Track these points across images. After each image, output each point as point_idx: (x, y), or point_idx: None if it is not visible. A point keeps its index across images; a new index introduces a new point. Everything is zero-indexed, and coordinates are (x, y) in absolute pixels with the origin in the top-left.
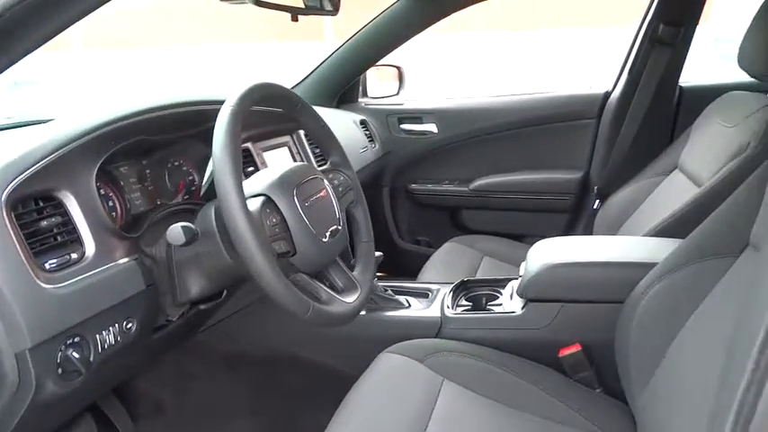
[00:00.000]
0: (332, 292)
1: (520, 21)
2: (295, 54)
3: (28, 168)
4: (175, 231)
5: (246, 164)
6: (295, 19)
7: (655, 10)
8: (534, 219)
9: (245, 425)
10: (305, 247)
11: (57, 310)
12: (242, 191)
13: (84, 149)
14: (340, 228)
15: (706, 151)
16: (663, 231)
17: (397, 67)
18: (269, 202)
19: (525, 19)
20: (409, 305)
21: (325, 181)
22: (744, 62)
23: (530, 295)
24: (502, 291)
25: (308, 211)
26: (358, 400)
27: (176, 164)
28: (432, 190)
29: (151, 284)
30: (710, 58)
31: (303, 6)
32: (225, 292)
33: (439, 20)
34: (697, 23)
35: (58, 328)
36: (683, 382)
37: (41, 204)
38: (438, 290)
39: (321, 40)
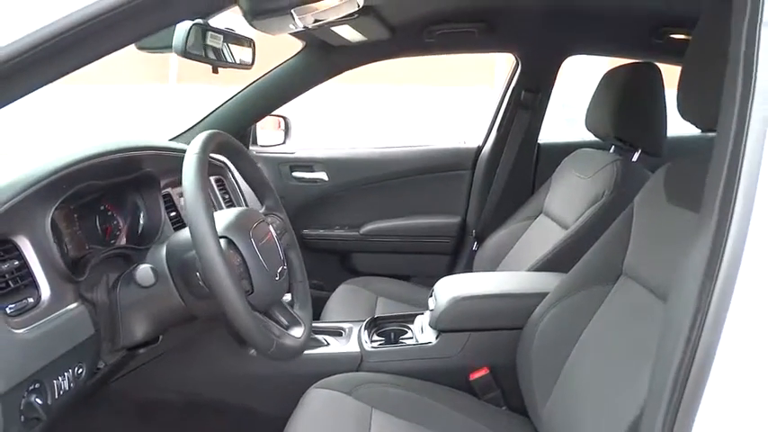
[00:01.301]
0: (282, 329)
1: (401, 76)
2: (142, 96)
3: None
4: (145, 272)
5: (168, 209)
6: (215, 71)
7: (518, 78)
8: (419, 260)
9: None
10: (261, 286)
11: (23, 355)
12: (216, 233)
13: (40, 194)
14: (285, 268)
15: (567, 198)
16: (542, 267)
17: (284, 117)
18: (230, 243)
19: (406, 75)
20: (328, 343)
21: (270, 225)
22: (590, 125)
23: (441, 326)
24: (410, 325)
25: (262, 253)
26: None
27: (102, 209)
28: (323, 235)
29: (98, 329)
30: (559, 120)
31: (224, 60)
32: (161, 337)
33: (334, 76)
34: (551, 90)
35: (25, 373)
36: (579, 392)
37: None
38: (351, 328)
39: (165, 83)
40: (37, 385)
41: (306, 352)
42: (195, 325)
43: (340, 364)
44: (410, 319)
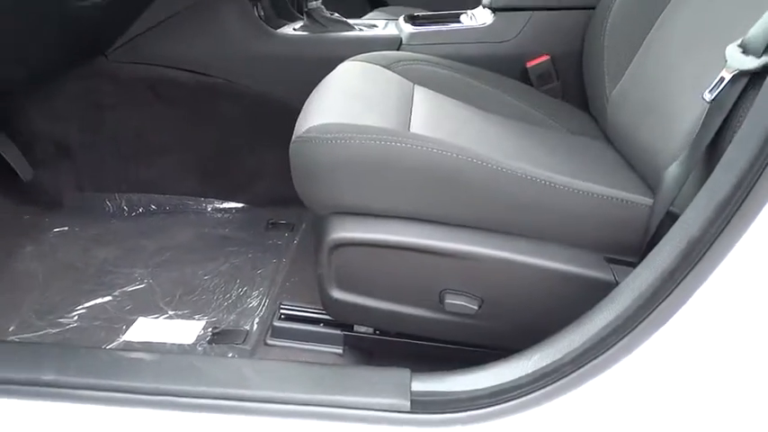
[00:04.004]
0: None
1: None
2: None
3: None
4: None
5: None
6: None
7: None
8: None
9: (172, 161)
10: None
11: None
12: None
13: None
14: None
15: None
16: None
17: None
18: None
19: None
20: (360, 29)
21: None
22: None
23: (499, 3)
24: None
25: None
26: (324, 97)
27: None
28: None
29: None
30: None
31: None
32: None
33: None
34: None
35: None
36: (649, 85)
37: None
38: (385, 22)
39: None
40: None
41: (336, 33)
42: None
43: (376, 47)
44: (454, 17)
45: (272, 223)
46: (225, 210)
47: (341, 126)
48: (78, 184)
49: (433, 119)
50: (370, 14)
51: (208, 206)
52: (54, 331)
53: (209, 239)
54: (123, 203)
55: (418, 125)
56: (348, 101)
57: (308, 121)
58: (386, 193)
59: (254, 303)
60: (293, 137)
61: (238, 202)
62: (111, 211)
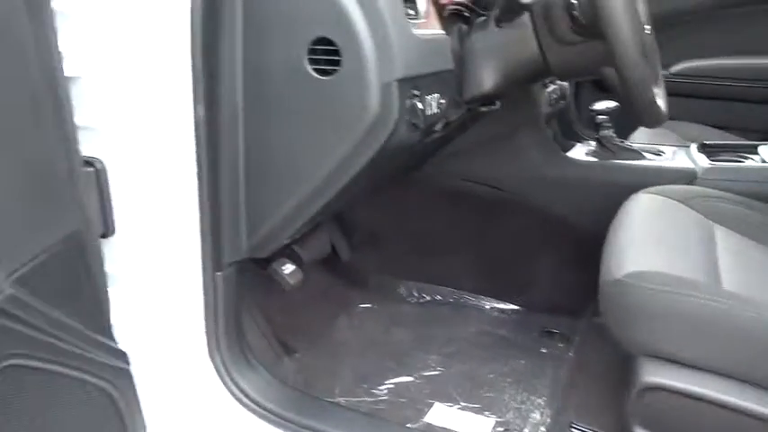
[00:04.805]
0: None
1: None
2: None
3: None
4: None
5: None
6: None
7: None
8: (743, 108)
9: (458, 259)
10: None
11: (416, 51)
12: None
13: None
14: None
15: None
16: None
17: None
18: None
19: None
20: (658, 154)
21: None
22: None
23: None
24: (751, 156)
25: None
26: (630, 234)
27: None
28: None
29: (456, 67)
30: None
31: None
32: (499, 103)
33: None
34: None
35: (414, 69)
36: None
37: None
38: (674, 150)
39: None
40: (417, 92)
41: (629, 162)
42: (503, 118)
43: (668, 179)
44: (751, 149)
45: (547, 331)
46: (501, 310)
47: (658, 277)
48: (381, 268)
49: (743, 269)
50: (650, 132)
51: (486, 304)
52: (369, 400)
53: (490, 338)
54: (414, 290)
55: (730, 279)
56: (655, 243)
57: (621, 263)
58: (703, 347)
59: (537, 415)
60: (606, 276)
61: (514, 304)
62: (405, 295)
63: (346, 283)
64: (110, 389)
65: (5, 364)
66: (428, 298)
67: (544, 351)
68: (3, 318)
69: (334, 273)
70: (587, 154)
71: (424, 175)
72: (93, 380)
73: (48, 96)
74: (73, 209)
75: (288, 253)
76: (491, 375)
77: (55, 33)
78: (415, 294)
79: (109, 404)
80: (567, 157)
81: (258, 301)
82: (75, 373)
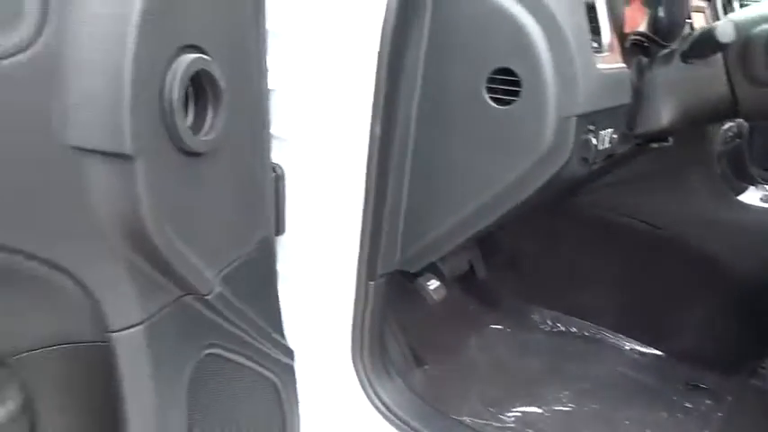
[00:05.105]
0: None
1: None
2: None
3: None
4: (725, 27)
5: None
6: None
7: None
8: None
9: (601, 293)
10: None
11: (599, 88)
12: None
13: None
14: None
15: None
16: None
17: None
18: None
19: None
20: None
21: None
22: None
23: None
24: None
25: None
26: None
27: None
28: None
29: (633, 102)
30: None
31: None
32: (671, 139)
33: None
34: None
35: (595, 105)
36: None
37: None
38: None
39: None
40: (592, 127)
41: None
42: (671, 152)
43: None
44: None
45: (693, 385)
46: (642, 353)
47: None
48: (516, 291)
49: None
50: None
51: (626, 344)
52: (496, 425)
53: (627, 381)
54: (548, 318)
55: None
56: None
57: None
58: None
59: None
60: None
61: (657, 349)
62: (538, 322)
63: (478, 302)
64: (277, 382)
65: (207, 352)
66: (563, 328)
67: (689, 406)
68: (211, 312)
69: (468, 290)
70: (762, 199)
71: (575, 202)
72: (266, 372)
73: (259, 107)
74: (268, 215)
75: (432, 268)
76: (627, 422)
77: (266, 49)
78: (549, 323)
79: (274, 396)
80: (739, 201)
81: (398, 313)
82: (252, 365)
